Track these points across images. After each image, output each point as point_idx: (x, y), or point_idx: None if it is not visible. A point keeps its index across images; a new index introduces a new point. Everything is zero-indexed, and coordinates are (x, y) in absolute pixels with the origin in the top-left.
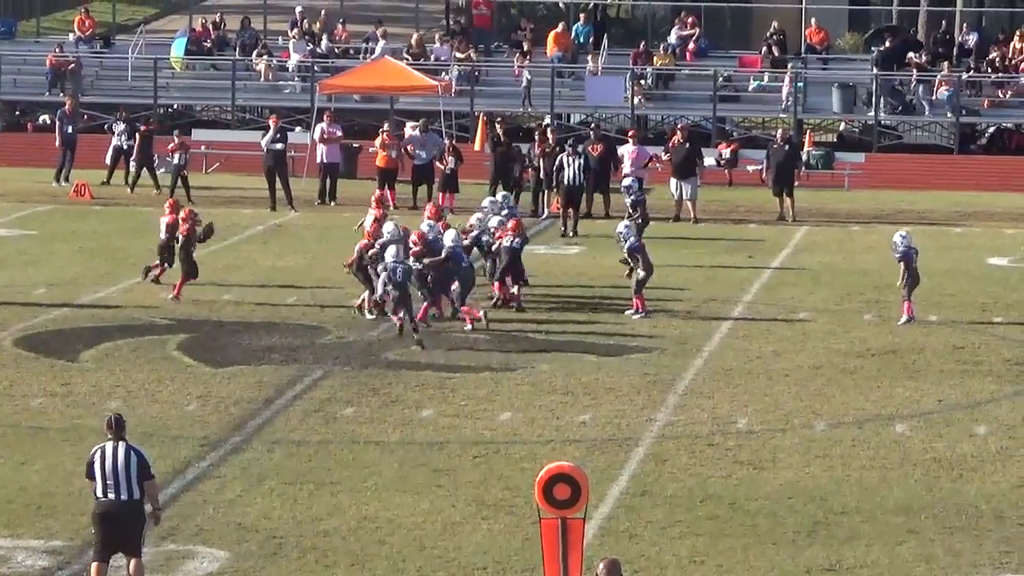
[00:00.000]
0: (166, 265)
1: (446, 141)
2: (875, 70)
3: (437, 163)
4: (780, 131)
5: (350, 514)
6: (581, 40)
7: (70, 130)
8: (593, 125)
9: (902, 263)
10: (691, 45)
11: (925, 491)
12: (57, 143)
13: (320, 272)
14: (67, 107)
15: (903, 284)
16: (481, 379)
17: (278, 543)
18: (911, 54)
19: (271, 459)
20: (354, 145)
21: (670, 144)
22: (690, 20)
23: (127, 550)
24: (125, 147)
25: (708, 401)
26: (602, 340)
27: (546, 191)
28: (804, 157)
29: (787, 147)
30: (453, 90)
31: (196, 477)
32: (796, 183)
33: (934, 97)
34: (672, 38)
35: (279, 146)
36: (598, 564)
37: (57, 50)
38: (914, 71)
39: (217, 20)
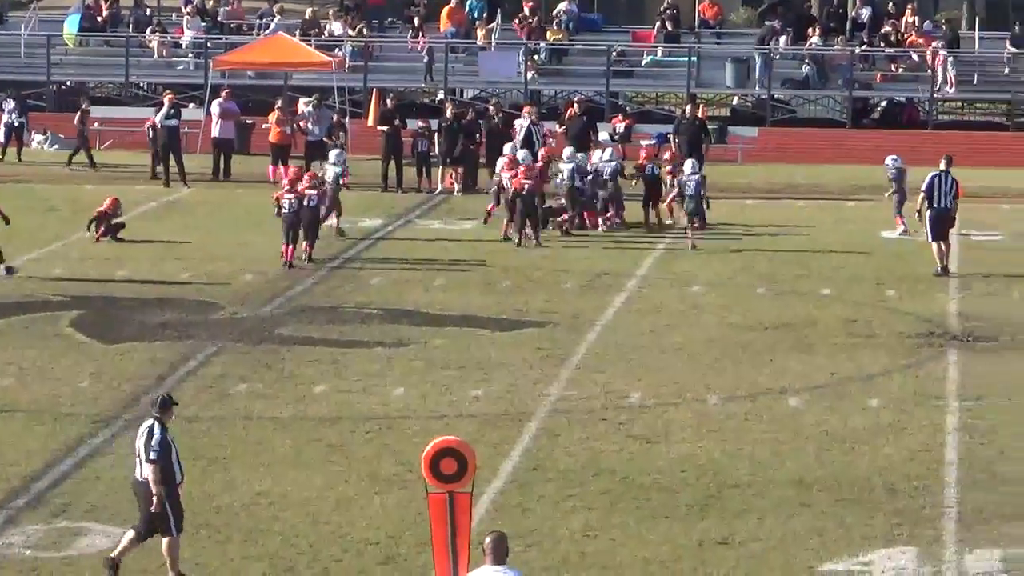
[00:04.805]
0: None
1: (335, 116)
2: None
3: (327, 139)
4: (689, 106)
5: (243, 490)
6: (475, 15)
7: None
8: (493, 102)
9: (893, 182)
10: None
11: (818, 464)
12: None
13: (213, 248)
14: None
15: (890, 196)
16: (374, 354)
17: None
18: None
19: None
20: (247, 121)
21: (566, 116)
22: None
23: (157, 529)
24: (16, 124)
25: (601, 375)
26: (495, 315)
27: (441, 166)
28: None
29: (696, 122)
30: (347, 66)
31: (89, 454)
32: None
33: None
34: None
35: (173, 122)
36: (484, 538)
37: None
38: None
39: None
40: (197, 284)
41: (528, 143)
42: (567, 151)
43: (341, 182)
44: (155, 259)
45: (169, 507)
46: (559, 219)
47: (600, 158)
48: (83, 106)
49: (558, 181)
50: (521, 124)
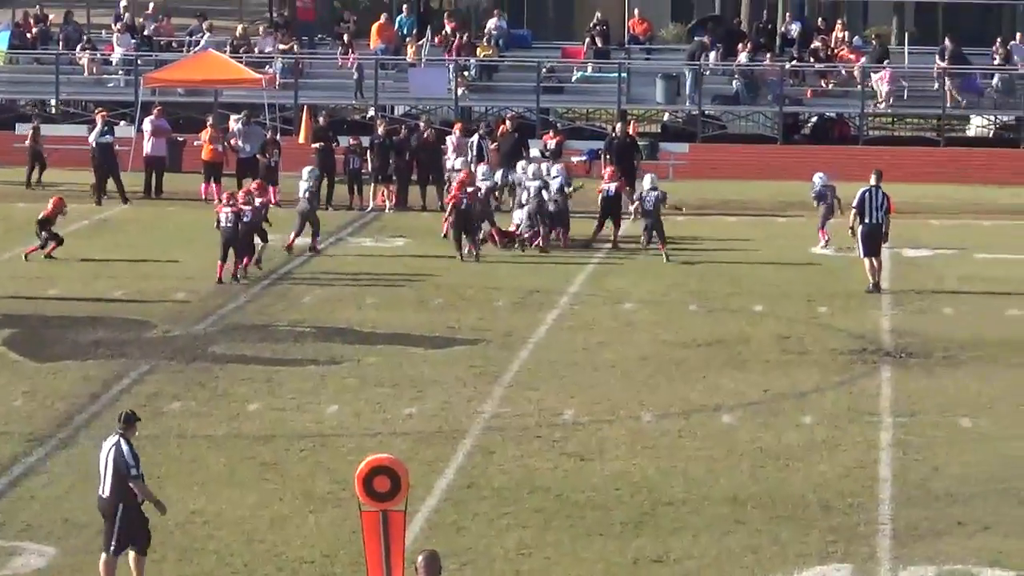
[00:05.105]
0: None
1: (267, 134)
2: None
3: (259, 156)
4: (620, 124)
5: (178, 508)
6: (404, 32)
7: None
8: (423, 119)
9: (817, 200)
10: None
11: (752, 481)
12: None
13: (146, 266)
14: None
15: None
16: (308, 372)
17: None
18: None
19: (98, 454)
20: (178, 139)
21: (498, 133)
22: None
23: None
24: None
25: (535, 393)
26: (428, 333)
27: (373, 184)
28: None
29: (627, 139)
30: (277, 83)
31: (23, 473)
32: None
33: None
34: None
35: (107, 139)
36: (417, 556)
37: None
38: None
39: (40, 13)
40: (129, 302)
41: (481, 159)
42: (531, 168)
43: (307, 196)
44: (87, 277)
45: (121, 525)
46: (519, 236)
47: (548, 174)
48: (35, 124)
49: (523, 198)
50: (458, 140)
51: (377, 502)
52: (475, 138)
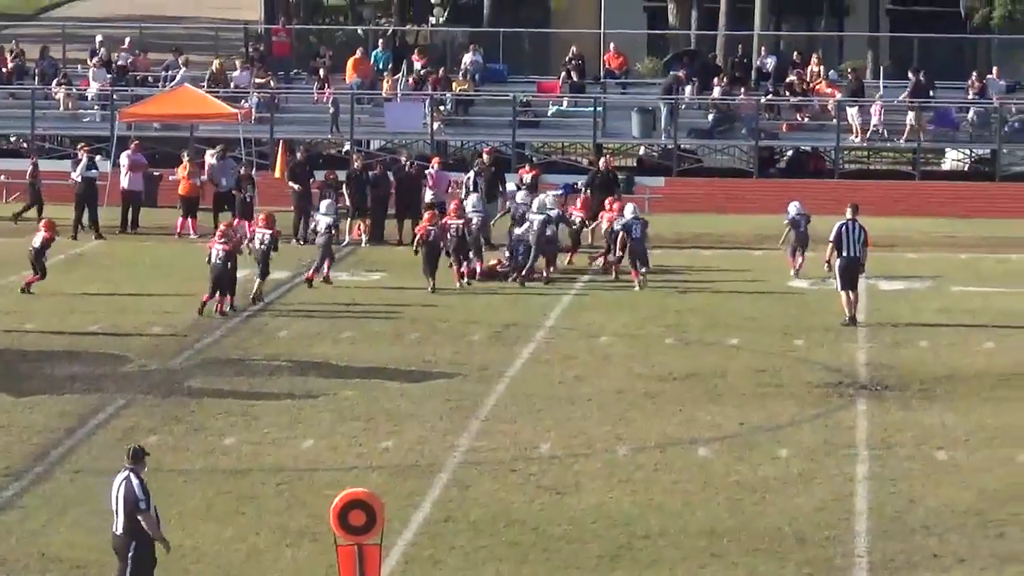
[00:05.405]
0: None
1: (242, 169)
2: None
3: (234, 192)
4: (602, 160)
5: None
6: (380, 67)
7: None
8: (405, 153)
9: (789, 225)
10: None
11: (728, 514)
12: None
13: (122, 300)
14: None
15: (784, 243)
16: (284, 406)
17: (82, 572)
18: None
19: (74, 488)
20: (154, 173)
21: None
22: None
23: None
24: None
25: (511, 426)
26: (404, 366)
27: (349, 218)
28: None
29: (609, 174)
30: (253, 117)
31: None
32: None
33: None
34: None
35: (92, 173)
36: None
37: None
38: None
39: (15, 48)
40: (106, 336)
41: (475, 191)
42: (536, 202)
43: (333, 232)
44: (63, 311)
45: (132, 564)
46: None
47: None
48: (33, 160)
49: (521, 230)
50: (437, 175)
51: (353, 536)
52: (471, 174)
